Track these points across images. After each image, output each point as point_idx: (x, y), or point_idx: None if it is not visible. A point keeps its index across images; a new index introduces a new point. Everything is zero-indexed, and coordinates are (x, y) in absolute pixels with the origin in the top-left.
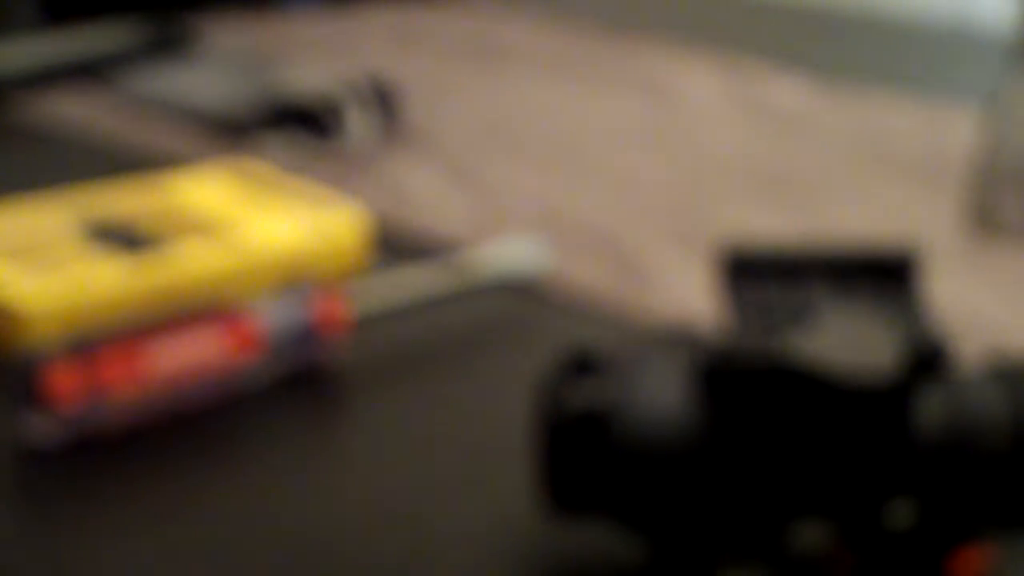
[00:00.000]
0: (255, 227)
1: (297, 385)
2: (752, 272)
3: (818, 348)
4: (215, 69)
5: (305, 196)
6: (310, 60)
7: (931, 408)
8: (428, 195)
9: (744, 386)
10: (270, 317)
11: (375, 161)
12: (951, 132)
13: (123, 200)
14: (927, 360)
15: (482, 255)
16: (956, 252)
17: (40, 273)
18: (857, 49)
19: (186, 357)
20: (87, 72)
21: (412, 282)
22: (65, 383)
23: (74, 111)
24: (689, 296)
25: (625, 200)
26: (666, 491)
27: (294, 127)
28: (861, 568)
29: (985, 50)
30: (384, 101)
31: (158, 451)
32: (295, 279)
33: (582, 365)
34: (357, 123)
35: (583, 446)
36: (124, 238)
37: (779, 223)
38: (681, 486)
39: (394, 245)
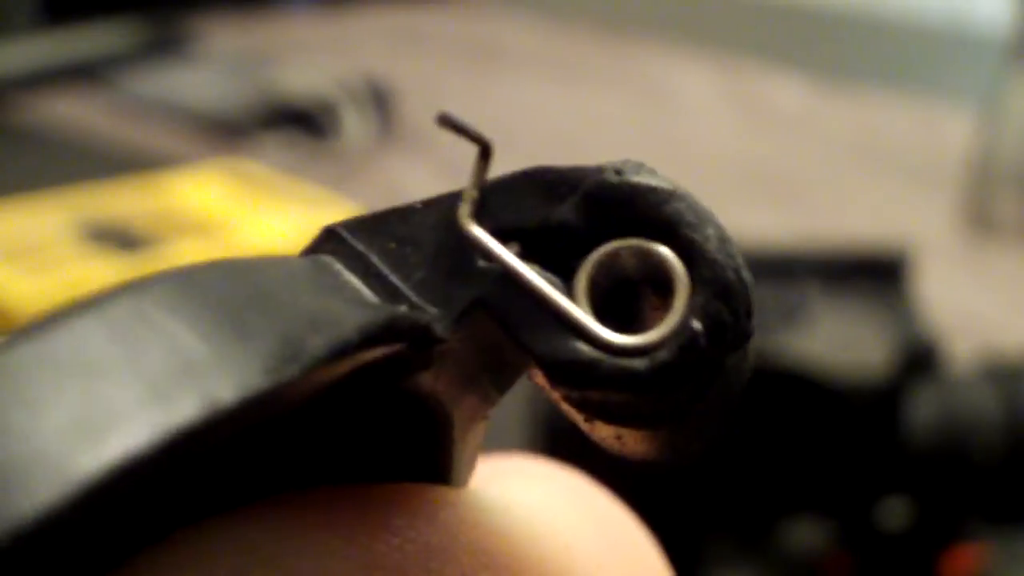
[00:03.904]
0: (251, 227)
1: None
2: None
3: (811, 347)
4: (212, 70)
5: (301, 196)
6: (307, 61)
7: (923, 407)
8: (424, 195)
9: None
10: None
11: (371, 161)
12: (947, 132)
13: (119, 201)
14: (920, 359)
15: None
16: (951, 251)
17: (36, 273)
18: (854, 49)
19: None
20: (85, 72)
21: None
22: None
23: (72, 111)
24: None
25: None
26: (660, 489)
27: (291, 128)
28: (856, 567)
29: (981, 50)
30: (380, 101)
31: None
32: None
33: None
34: (353, 124)
35: (579, 445)
36: (120, 239)
37: (775, 222)
38: (675, 484)
39: None
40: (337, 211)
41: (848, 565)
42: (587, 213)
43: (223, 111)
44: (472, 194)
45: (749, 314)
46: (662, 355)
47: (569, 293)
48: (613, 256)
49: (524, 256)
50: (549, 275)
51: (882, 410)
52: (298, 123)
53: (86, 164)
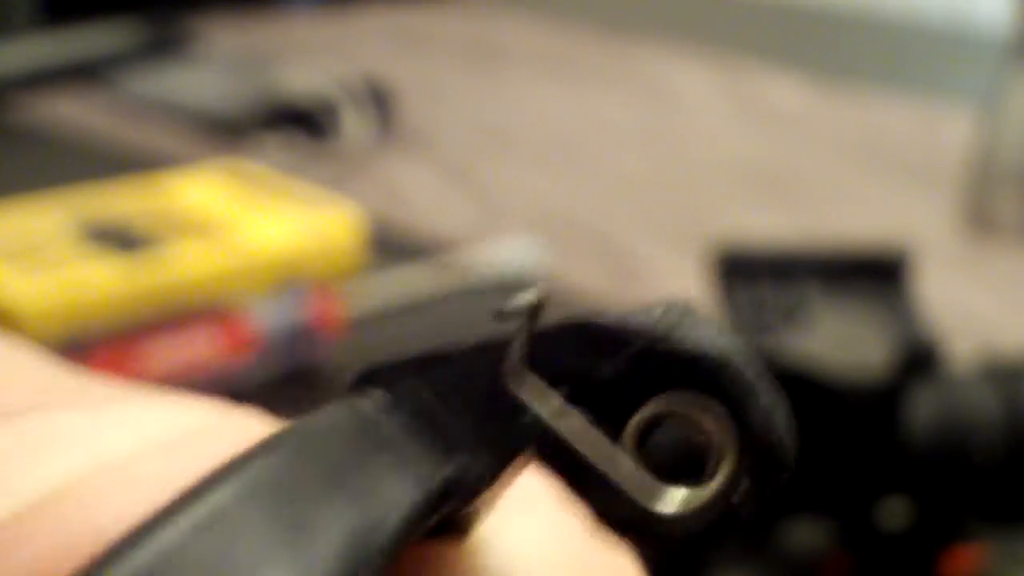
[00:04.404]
0: (251, 227)
1: (292, 385)
2: (745, 271)
3: (811, 347)
4: (212, 70)
5: (301, 196)
6: (307, 61)
7: (923, 407)
8: (424, 195)
9: None
10: (265, 317)
11: (371, 161)
12: (947, 132)
13: (119, 200)
14: (919, 359)
15: (478, 255)
16: (951, 251)
17: (36, 273)
18: (854, 49)
19: (181, 357)
20: (85, 72)
21: (408, 282)
22: None
23: (72, 111)
24: (684, 295)
25: (622, 200)
26: None
27: (291, 128)
28: (856, 567)
29: (981, 50)
30: (380, 102)
31: None
32: (291, 279)
33: None
34: (353, 124)
35: None
36: (120, 238)
37: (776, 222)
38: None
39: (390, 245)
40: (337, 210)
41: (848, 565)
42: (636, 371)
43: (223, 111)
44: (520, 348)
45: (787, 474)
46: (701, 522)
47: (615, 440)
48: (661, 416)
49: (570, 400)
50: (596, 425)
51: (882, 410)
52: (298, 123)
53: (86, 164)
